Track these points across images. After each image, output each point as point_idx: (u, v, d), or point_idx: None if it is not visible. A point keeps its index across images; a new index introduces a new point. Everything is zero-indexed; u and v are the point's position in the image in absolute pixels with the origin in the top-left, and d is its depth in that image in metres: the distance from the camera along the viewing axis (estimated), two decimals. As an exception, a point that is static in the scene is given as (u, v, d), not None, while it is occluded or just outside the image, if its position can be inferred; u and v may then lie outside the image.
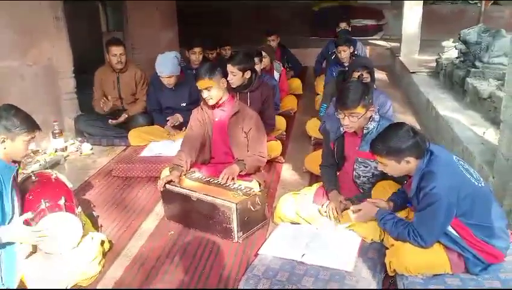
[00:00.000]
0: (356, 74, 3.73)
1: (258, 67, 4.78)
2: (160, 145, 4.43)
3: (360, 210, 2.77)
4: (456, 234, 2.35)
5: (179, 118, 4.63)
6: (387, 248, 2.58)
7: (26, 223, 2.48)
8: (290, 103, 5.86)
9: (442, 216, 2.30)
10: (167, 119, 4.65)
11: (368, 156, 2.90)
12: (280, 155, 4.33)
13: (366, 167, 2.99)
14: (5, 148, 2.47)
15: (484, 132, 3.93)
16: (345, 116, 2.83)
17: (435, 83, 6.03)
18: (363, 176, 3.02)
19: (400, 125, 2.48)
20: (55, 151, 4.59)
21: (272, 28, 7.02)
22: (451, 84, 5.51)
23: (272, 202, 3.46)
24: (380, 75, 7.87)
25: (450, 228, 2.35)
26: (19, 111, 2.52)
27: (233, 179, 3.23)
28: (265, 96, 4.33)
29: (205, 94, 3.30)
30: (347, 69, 4.89)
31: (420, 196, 2.35)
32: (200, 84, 3.28)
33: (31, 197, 2.67)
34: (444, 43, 6.33)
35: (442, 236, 2.36)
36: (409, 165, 2.41)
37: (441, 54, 6.26)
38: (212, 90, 3.29)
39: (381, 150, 2.43)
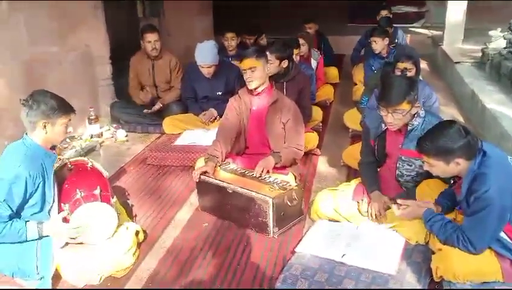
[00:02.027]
0: (401, 65, 3.54)
1: (296, 58, 4.64)
2: (194, 133, 4.39)
3: (406, 207, 2.61)
4: (509, 240, 2.20)
5: (213, 113, 4.58)
6: (433, 252, 2.44)
7: (64, 218, 2.48)
8: (326, 93, 5.70)
9: (494, 221, 2.15)
10: (204, 113, 4.60)
11: (412, 155, 2.76)
12: (316, 147, 4.21)
13: (410, 165, 2.83)
14: (46, 133, 2.46)
15: (535, 128, 3.70)
16: (388, 113, 2.67)
17: (480, 74, 5.74)
18: (407, 175, 2.87)
19: (451, 123, 2.32)
20: (91, 137, 4.61)
21: (309, 16, 6.85)
22: (498, 76, 5.22)
23: (308, 196, 3.36)
24: (420, 64, 7.58)
25: (502, 234, 2.20)
26: (53, 95, 2.51)
27: (268, 171, 3.15)
28: (302, 86, 4.21)
29: (248, 75, 3.20)
30: (385, 60, 4.71)
31: (471, 199, 2.20)
32: (245, 63, 3.19)
33: (66, 186, 2.66)
34: (491, 33, 5.99)
35: (494, 242, 2.21)
36: (458, 167, 2.26)
37: (488, 44, 5.94)
38: (256, 71, 3.20)
39: (429, 149, 2.28)
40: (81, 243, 2.54)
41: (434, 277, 2.32)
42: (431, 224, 2.42)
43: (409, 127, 2.77)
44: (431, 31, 9.06)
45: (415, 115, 2.76)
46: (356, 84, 5.91)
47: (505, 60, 5.13)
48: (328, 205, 2.93)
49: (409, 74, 3.49)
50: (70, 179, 2.71)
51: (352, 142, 4.27)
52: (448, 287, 2.24)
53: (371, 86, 4.22)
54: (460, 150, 2.22)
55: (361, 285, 2.28)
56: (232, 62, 5.16)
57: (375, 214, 2.77)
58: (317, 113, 4.70)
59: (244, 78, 3.25)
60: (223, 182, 3.07)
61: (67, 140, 4.41)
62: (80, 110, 4.47)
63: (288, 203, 2.90)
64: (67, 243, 2.50)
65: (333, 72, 6.54)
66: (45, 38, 4.33)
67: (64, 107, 2.49)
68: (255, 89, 3.27)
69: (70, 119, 2.53)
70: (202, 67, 4.43)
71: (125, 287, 2.51)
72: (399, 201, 2.65)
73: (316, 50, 5.94)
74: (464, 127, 2.28)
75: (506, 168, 2.23)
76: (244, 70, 3.22)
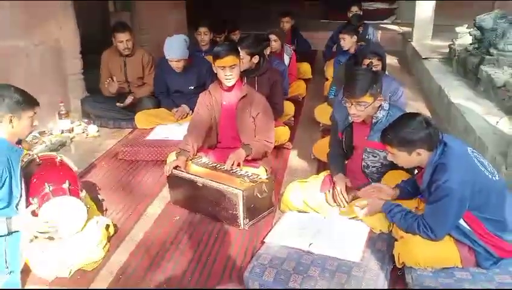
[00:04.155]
0: (366, 61, 3.63)
1: (266, 52, 4.69)
2: (167, 128, 4.40)
3: (366, 205, 2.70)
4: (468, 228, 2.30)
5: (185, 110, 4.59)
6: (396, 240, 2.53)
7: (33, 211, 2.45)
8: (298, 88, 5.75)
9: (454, 210, 2.24)
10: (176, 110, 4.62)
11: (377, 146, 2.84)
12: (288, 141, 4.27)
13: (375, 156, 2.92)
14: (12, 128, 2.45)
15: (497, 122, 3.84)
16: (352, 104, 2.75)
17: (448, 69, 5.90)
18: (372, 166, 2.96)
19: (413, 115, 2.41)
20: (61, 133, 4.56)
21: (285, 10, 6.90)
22: (465, 72, 5.39)
23: (279, 189, 3.42)
24: (390, 60, 7.74)
25: (461, 221, 2.29)
26: (17, 89, 2.50)
27: (239, 164, 3.19)
28: (273, 81, 4.25)
29: (228, 72, 3.19)
30: (355, 54, 4.81)
31: (432, 188, 2.29)
32: (227, 61, 3.16)
33: (35, 180, 2.64)
34: (458, 29, 6.16)
35: (453, 229, 2.31)
36: (419, 157, 2.35)
37: (454, 40, 6.11)
38: (236, 68, 3.22)
39: (392, 140, 2.37)
40: (50, 238, 2.53)
41: (396, 263, 2.41)
42: (392, 215, 2.51)
43: (373, 119, 2.86)
44: (401, 27, 9.23)
45: (379, 108, 2.84)
46: (328, 80, 5.98)
47: (470, 56, 5.29)
48: (297, 196, 3.00)
49: (374, 69, 3.58)
50: (38, 174, 2.69)
51: (323, 136, 4.34)
52: (410, 273, 2.33)
53: (338, 78, 4.38)
54: (421, 141, 2.31)
55: (326, 272, 2.34)
56: (205, 57, 5.17)
57: (338, 196, 2.85)
58: (289, 108, 4.76)
59: (222, 75, 3.22)
60: (194, 175, 3.09)
61: (37, 135, 4.35)
62: (49, 105, 4.48)
63: (258, 196, 2.95)
64: (35, 237, 2.48)
65: (306, 67, 6.60)
66: (12, 32, 4.24)
67: (29, 100, 2.49)
68: (231, 85, 3.29)
69: (35, 112, 2.53)
70: (171, 61, 4.43)
71: (96, 281, 2.52)
72: (357, 204, 2.74)
73: (289, 46, 5.99)
74: (425, 119, 2.37)
75: (466, 159, 2.32)
76: (223, 67, 3.19)
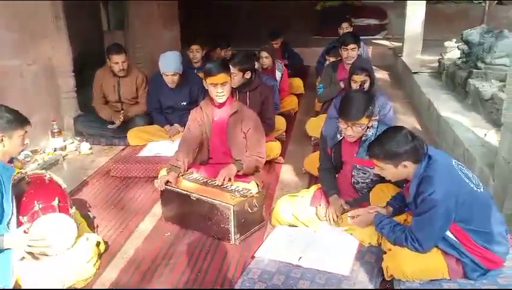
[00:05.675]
0: (356, 78, 3.70)
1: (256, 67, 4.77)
2: (159, 145, 4.41)
3: (358, 215, 2.73)
4: (455, 239, 2.32)
5: (178, 129, 4.63)
6: (384, 252, 2.55)
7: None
8: (291, 103, 5.82)
9: (440, 222, 2.27)
10: (168, 129, 4.67)
11: (366, 163, 2.87)
12: (280, 156, 4.30)
13: (365, 173, 2.94)
14: (4, 147, 2.46)
15: (485, 134, 3.89)
16: (348, 126, 2.78)
17: (437, 83, 5.99)
18: (362, 182, 2.98)
19: (398, 129, 2.45)
20: (54, 151, 4.56)
21: (275, 29, 7.02)
22: (453, 85, 5.46)
23: (271, 203, 3.44)
24: (381, 75, 7.83)
25: (448, 233, 2.32)
26: (7, 108, 2.52)
27: (230, 179, 3.21)
28: (265, 96, 4.30)
29: (219, 90, 3.23)
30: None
31: (418, 200, 2.32)
32: (219, 78, 3.20)
33: (24, 199, 2.64)
34: (446, 44, 6.26)
35: (441, 241, 2.33)
36: (406, 169, 2.38)
37: (443, 54, 6.21)
38: (227, 86, 3.26)
39: (378, 153, 2.40)
40: (41, 254, 2.53)
41: (385, 275, 2.42)
42: (381, 227, 2.53)
43: (363, 137, 2.88)
44: (392, 42, 9.36)
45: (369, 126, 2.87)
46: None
47: (459, 70, 5.37)
48: (287, 210, 3.02)
49: (366, 89, 3.65)
50: (28, 192, 2.70)
51: (314, 150, 4.37)
52: (398, 286, 2.34)
53: (327, 76, 4.91)
54: (407, 154, 2.35)
55: (316, 286, 2.36)
56: (197, 74, 5.23)
57: (332, 217, 2.87)
58: (280, 122, 4.79)
59: (214, 92, 3.26)
60: (187, 190, 3.11)
61: (30, 153, 4.36)
62: (42, 123, 4.51)
63: (249, 210, 2.97)
64: (26, 255, 2.49)
65: (298, 83, 6.67)
66: (6, 51, 4.27)
67: (19, 120, 2.51)
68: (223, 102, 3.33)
69: (26, 131, 2.55)
70: (166, 75, 4.47)
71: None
72: (349, 213, 2.77)
73: (280, 62, 6.07)
74: (410, 132, 2.41)
75: (450, 171, 2.35)
76: (215, 84, 3.23)
